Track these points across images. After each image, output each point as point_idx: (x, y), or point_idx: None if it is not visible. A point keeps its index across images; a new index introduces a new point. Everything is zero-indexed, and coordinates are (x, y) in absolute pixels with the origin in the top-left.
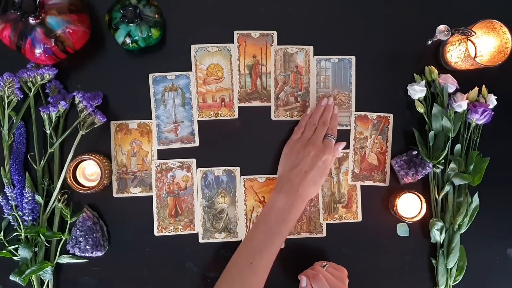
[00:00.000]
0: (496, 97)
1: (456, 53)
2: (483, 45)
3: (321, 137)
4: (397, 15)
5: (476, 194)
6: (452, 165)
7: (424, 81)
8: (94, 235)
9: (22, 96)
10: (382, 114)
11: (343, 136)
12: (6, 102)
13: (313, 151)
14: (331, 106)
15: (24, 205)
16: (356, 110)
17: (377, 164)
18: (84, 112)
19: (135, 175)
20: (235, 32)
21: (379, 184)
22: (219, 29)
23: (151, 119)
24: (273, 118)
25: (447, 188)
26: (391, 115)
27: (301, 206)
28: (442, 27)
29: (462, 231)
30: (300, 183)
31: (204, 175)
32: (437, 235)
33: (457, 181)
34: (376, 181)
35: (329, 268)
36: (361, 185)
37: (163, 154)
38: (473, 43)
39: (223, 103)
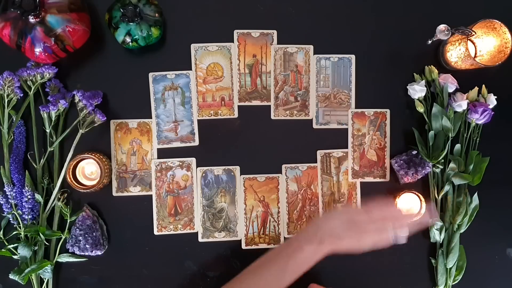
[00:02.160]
0: (496, 97)
1: (456, 53)
2: (483, 45)
3: (388, 232)
4: (397, 15)
5: (476, 193)
6: (451, 164)
7: (424, 81)
8: (94, 234)
9: (22, 95)
10: (378, 110)
11: (342, 134)
12: (6, 100)
13: (372, 233)
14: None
15: (23, 203)
16: (356, 109)
17: (377, 160)
18: (84, 111)
19: (134, 174)
20: (235, 31)
21: (379, 180)
22: (219, 28)
23: (151, 118)
24: (272, 117)
25: (447, 187)
26: (388, 110)
27: (319, 257)
28: (442, 27)
29: (462, 230)
30: (336, 241)
31: (204, 174)
32: (436, 235)
33: (457, 181)
34: (376, 177)
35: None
36: (362, 182)
37: (163, 153)
38: (473, 43)
39: (223, 102)
